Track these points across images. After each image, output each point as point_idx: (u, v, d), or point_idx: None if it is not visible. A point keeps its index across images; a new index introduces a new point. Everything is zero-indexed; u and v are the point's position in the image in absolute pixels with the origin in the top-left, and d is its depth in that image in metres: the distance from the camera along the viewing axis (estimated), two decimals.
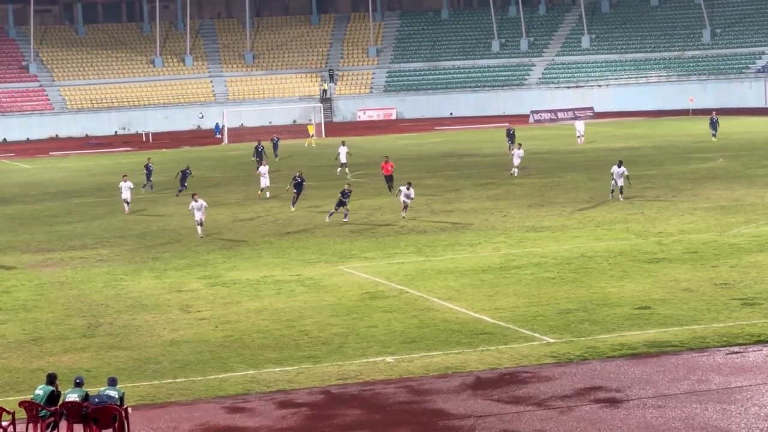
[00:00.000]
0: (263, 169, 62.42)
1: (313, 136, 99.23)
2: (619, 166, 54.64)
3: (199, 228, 48.58)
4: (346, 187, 53.48)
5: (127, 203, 57.81)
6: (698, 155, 73.12)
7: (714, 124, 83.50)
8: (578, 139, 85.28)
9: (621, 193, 54.33)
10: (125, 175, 59.07)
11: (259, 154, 76.38)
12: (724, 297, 33.19)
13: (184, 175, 64.73)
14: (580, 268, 38.38)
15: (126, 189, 57.69)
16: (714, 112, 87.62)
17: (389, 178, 60.40)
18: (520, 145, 68.03)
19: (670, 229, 45.37)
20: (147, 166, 68.06)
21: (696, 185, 58.24)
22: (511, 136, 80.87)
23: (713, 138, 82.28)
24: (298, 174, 57.17)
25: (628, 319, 31.16)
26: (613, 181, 54.75)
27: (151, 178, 67.84)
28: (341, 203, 51.84)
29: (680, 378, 25.72)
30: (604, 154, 76.60)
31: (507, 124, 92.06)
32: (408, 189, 51.51)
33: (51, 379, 23.84)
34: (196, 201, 48.62)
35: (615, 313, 31.95)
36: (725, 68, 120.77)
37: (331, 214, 52.13)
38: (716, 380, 25.46)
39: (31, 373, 27.44)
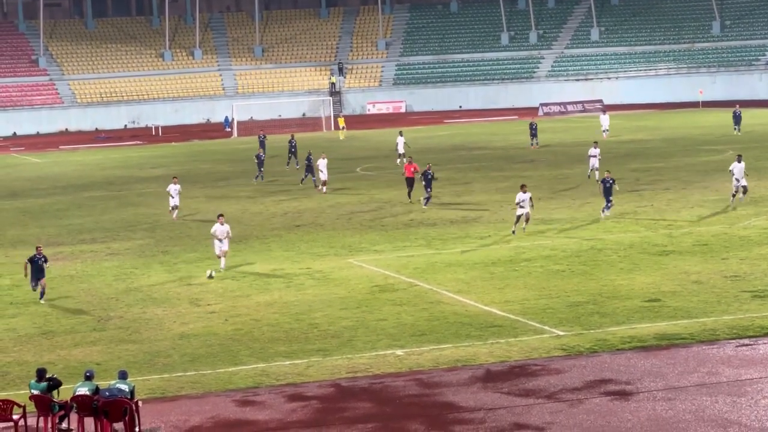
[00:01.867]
0: (322, 162, 59.99)
1: (343, 128, 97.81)
2: (739, 161, 48.93)
3: (222, 261, 40.00)
4: (427, 167, 52.66)
5: (176, 208, 52.86)
6: (708, 147, 72.98)
7: (737, 118, 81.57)
8: (603, 134, 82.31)
9: (744, 193, 48.58)
10: (175, 177, 54.63)
11: (292, 148, 73.74)
12: (734, 289, 33.16)
13: (309, 162, 62.06)
14: (589, 261, 38.36)
15: (175, 193, 52.63)
16: (737, 105, 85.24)
17: (410, 182, 54.38)
18: (596, 143, 61.13)
19: (679, 222, 45.32)
20: (258, 156, 66.95)
21: (706, 177, 58.14)
22: (534, 131, 79.21)
23: (736, 132, 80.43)
24: (427, 167, 53.16)
25: (638, 312, 31.15)
26: (734, 180, 48.57)
27: (263, 168, 66.80)
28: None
29: (690, 370, 25.72)
30: (613, 147, 76.49)
31: (531, 118, 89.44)
32: (525, 193, 43.50)
33: (41, 375, 23.81)
34: (222, 224, 40.09)
35: (625, 305, 31.94)
36: (735, 60, 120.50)
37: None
38: (726, 373, 25.44)
39: (43, 366, 27.44)
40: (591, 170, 59.47)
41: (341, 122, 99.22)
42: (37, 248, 37.21)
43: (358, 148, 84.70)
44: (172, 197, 52.63)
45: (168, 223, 51.92)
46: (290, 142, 74.74)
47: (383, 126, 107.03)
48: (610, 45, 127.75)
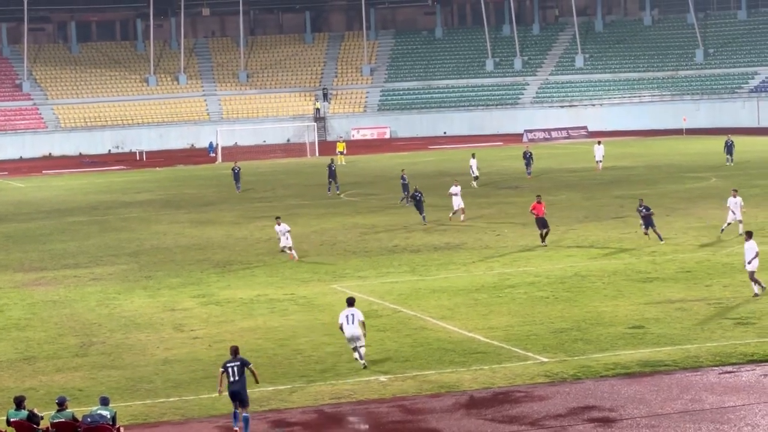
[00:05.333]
0: (455, 188, 56.56)
1: (343, 153, 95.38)
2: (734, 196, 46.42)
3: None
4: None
5: (291, 249, 46.55)
6: (692, 174, 73.19)
7: (729, 148, 78.40)
8: (597, 164, 78.90)
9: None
10: (278, 217, 48.69)
11: (332, 173, 71.18)
12: (718, 316, 33.19)
13: (416, 199, 55.96)
14: (573, 287, 38.37)
15: (284, 234, 46.68)
16: (729, 136, 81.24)
17: (542, 223, 47.78)
18: (736, 191, 49.39)
19: (663, 248, 45.36)
20: (402, 177, 64.00)
21: (689, 204, 58.28)
22: (528, 159, 76.09)
23: (729, 163, 77.43)
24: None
25: (622, 339, 31.14)
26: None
27: (406, 191, 63.15)
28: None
29: (674, 397, 25.71)
30: (598, 174, 76.65)
31: (525, 146, 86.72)
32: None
33: (20, 402, 23.65)
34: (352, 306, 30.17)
35: (608, 332, 31.93)
36: (718, 88, 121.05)
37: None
38: (709, 400, 25.44)
39: (23, 392, 27.29)
40: (728, 224, 48.12)
41: (340, 147, 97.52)
42: (233, 350, 25.67)
43: (342, 174, 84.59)
44: (280, 240, 46.82)
45: (152, 248, 51.73)
46: (329, 166, 71.95)
47: (368, 152, 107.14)
48: (595, 72, 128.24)
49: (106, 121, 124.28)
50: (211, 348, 32.16)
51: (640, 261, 42.82)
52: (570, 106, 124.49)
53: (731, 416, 24.17)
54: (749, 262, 35.50)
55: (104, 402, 23.62)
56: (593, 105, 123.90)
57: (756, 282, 35.59)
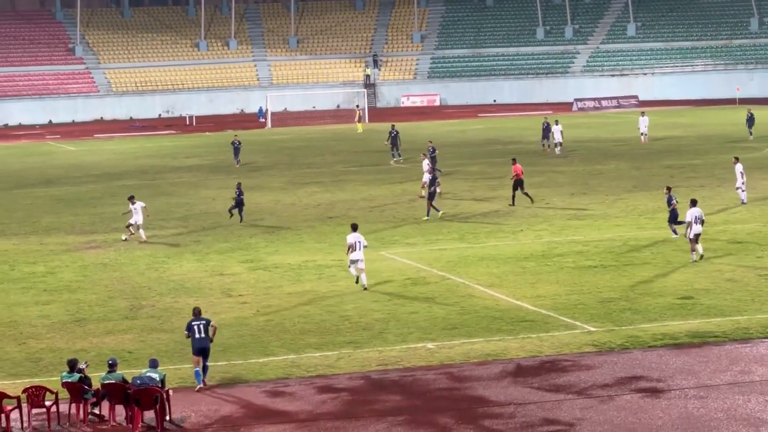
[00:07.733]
0: (425, 163, 54.14)
1: (359, 121, 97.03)
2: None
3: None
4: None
5: (132, 228, 45.23)
6: (744, 145, 72.46)
7: (750, 121, 76.15)
8: (642, 137, 76.08)
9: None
10: (132, 196, 46.19)
11: (393, 140, 70.05)
12: None
13: (237, 199, 49.34)
14: (622, 257, 38.21)
15: (138, 212, 45.11)
16: (749, 108, 79.67)
17: (519, 183, 50.41)
18: (737, 159, 49.10)
19: (714, 219, 45.02)
20: (429, 148, 61.66)
21: None
22: (545, 131, 72.84)
23: (750, 137, 75.36)
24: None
25: (671, 309, 31.01)
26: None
27: (435, 166, 59.79)
28: None
29: (723, 369, 25.58)
30: (647, 143, 76.08)
31: (545, 117, 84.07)
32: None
33: (73, 365, 23.93)
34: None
35: (657, 302, 31.80)
36: None
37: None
38: (759, 371, 25.30)
39: (74, 354, 27.58)
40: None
41: (358, 114, 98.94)
42: (197, 311, 26.45)
43: (369, 141, 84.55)
44: (134, 215, 45.11)
45: (201, 213, 52.03)
46: (390, 132, 70.76)
47: (418, 119, 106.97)
48: (647, 40, 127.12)
49: (157, 85, 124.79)
50: (259, 313, 32.33)
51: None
52: (621, 75, 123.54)
53: None
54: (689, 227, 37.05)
55: (153, 365, 23.84)
56: (645, 74, 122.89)
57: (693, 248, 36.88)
